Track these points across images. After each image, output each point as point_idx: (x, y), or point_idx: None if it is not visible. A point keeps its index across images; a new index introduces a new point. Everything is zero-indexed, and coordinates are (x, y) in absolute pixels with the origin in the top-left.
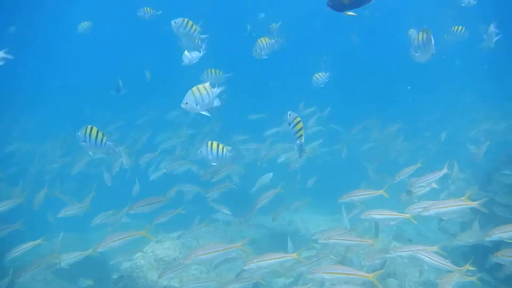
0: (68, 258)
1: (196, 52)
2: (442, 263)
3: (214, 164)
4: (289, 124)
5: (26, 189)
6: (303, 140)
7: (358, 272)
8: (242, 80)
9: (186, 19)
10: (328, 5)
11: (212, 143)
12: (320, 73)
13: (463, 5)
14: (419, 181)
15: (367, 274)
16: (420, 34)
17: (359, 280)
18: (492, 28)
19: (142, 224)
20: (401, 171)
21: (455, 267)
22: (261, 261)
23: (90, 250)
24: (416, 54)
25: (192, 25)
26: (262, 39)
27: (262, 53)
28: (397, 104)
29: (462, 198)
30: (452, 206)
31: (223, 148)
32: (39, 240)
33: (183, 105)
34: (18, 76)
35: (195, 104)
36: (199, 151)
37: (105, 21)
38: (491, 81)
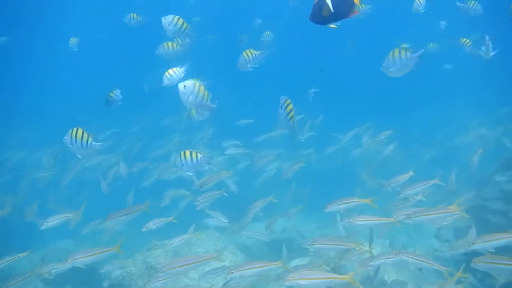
0: (54, 269)
1: (178, 71)
2: (425, 261)
3: (191, 174)
4: (281, 108)
5: (19, 197)
6: (294, 121)
7: (335, 275)
8: (235, 86)
9: (177, 17)
10: (310, 19)
11: (184, 153)
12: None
13: (471, 13)
14: (409, 189)
15: (344, 276)
16: (397, 51)
17: (338, 283)
18: (489, 40)
19: (138, 231)
20: (393, 178)
21: (440, 267)
22: (245, 269)
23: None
24: (391, 69)
25: (183, 23)
26: (247, 51)
27: (248, 65)
28: (393, 109)
29: (452, 205)
30: (435, 213)
31: (196, 155)
32: (27, 252)
33: (180, 86)
34: (18, 83)
35: (189, 94)
36: (174, 163)
37: (101, 27)
38: (484, 86)
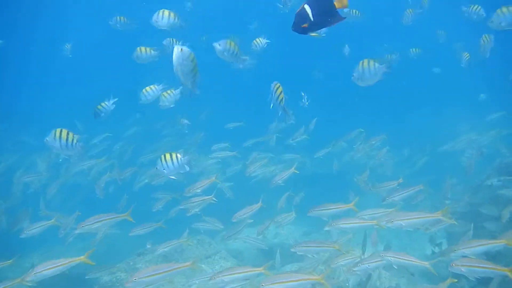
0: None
1: (156, 88)
2: (407, 260)
3: (174, 177)
4: (271, 93)
5: (12, 200)
6: (283, 103)
7: (307, 276)
8: (232, 89)
9: (161, 10)
10: (292, 29)
11: (165, 156)
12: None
13: (474, 18)
14: (394, 195)
15: (316, 277)
16: (366, 62)
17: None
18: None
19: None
20: (382, 183)
21: (423, 262)
22: (226, 275)
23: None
24: (360, 79)
25: (169, 13)
26: (234, 44)
27: (225, 53)
28: (386, 113)
29: (439, 211)
30: (417, 218)
31: (176, 156)
32: (10, 260)
33: (177, 49)
34: (15, 86)
35: (182, 60)
36: (155, 168)
37: (99, 28)
38: (476, 91)
